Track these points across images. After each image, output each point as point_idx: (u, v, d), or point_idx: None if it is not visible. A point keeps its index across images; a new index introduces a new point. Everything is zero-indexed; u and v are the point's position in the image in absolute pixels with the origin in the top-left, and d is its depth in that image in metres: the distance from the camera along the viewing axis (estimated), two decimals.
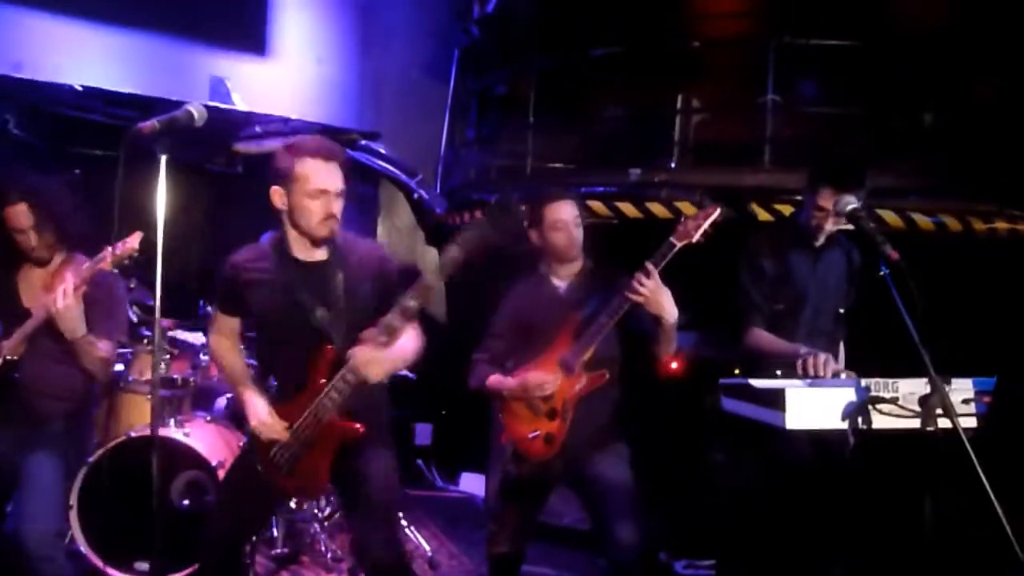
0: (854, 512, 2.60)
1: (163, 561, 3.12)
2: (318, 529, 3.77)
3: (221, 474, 3.14)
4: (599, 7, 4.85)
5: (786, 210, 3.76)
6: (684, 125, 4.48)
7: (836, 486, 2.55)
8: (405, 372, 4.21)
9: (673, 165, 4.37)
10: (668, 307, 2.43)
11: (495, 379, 2.73)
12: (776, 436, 2.11)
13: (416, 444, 5.44)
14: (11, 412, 2.64)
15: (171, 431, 3.35)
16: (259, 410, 2.28)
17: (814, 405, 2.00)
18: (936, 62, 4.04)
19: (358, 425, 2.23)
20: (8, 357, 2.58)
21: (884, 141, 4.06)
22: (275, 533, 3.73)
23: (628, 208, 4.11)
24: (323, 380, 2.21)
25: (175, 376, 3.75)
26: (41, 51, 4.31)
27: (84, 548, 3.16)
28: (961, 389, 2.01)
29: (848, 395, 2.00)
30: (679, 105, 4.48)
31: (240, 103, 4.99)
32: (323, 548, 3.70)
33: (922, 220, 3.81)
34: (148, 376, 3.74)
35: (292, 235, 2.30)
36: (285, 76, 5.40)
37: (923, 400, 1.88)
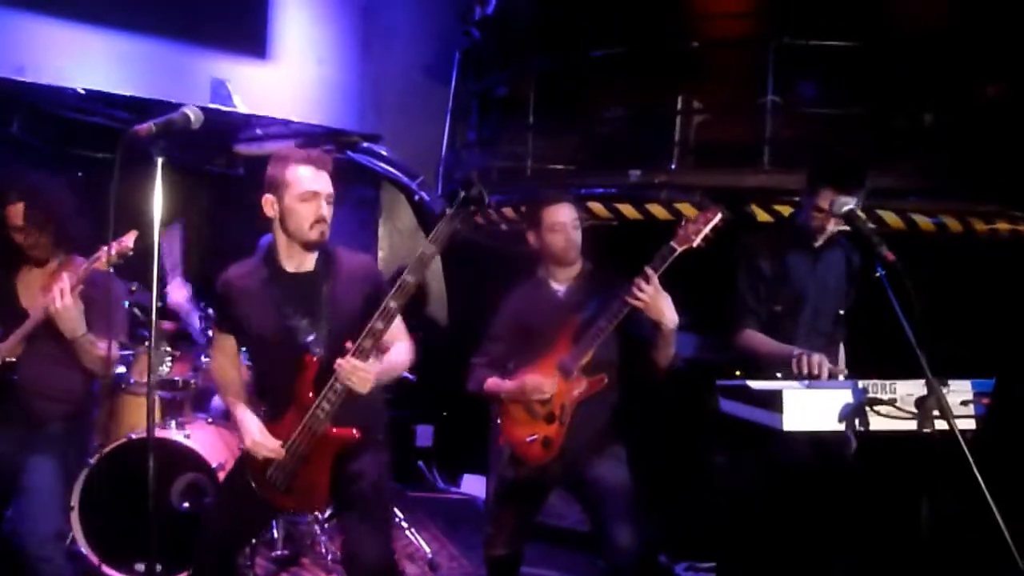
0: (852, 514, 2.60)
1: (160, 563, 3.15)
2: (318, 531, 3.77)
3: (221, 476, 3.14)
4: (599, 8, 4.85)
5: (786, 211, 3.75)
6: (684, 126, 4.47)
7: (834, 488, 2.54)
8: (405, 373, 4.25)
9: (673, 166, 4.36)
10: (668, 312, 2.42)
11: (493, 382, 2.73)
12: (774, 438, 2.10)
13: (417, 446, 5.45)
14: (10, 414, 2.65)
15: (172, 433, 3.36)
16: (252, 429, 2.28)
17: (811, 407, 2.00)
18: (937, 62, 4.02)
19: (354, 431, 2.23)
20: (6, 359, 2.59)
21: (885, 142, 4.04)
22: (275, 535, 3.74)
23: (628, 209, 4.11)
24: (311, 394, 2.21)
25: (176, 378, 3.77)
26: (44, 55, 4.32)
27: (85, 549, 3.17)
28: (960, 391, 2.01)
29: (846, 397, 2.00)
30: (679, 106, 4.47)
31: (241, 105, 5.00)
32: (323, 550, 3.71)
33: (923, 221, 3.79)
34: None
35: (283, 244, 2.32)
36: (286, 79, 5.40)
37: (920, 402, 1.87)
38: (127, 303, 3.39)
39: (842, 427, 1.99)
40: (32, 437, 2.64)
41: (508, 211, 4.57)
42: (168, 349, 3.90)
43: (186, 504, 3.33)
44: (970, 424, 1.98)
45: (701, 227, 2.45)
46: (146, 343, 3.85)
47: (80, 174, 4.43)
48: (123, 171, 1.83)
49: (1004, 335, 3.41)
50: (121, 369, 3.62)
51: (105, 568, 3.18)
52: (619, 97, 4.78)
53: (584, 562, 3.76)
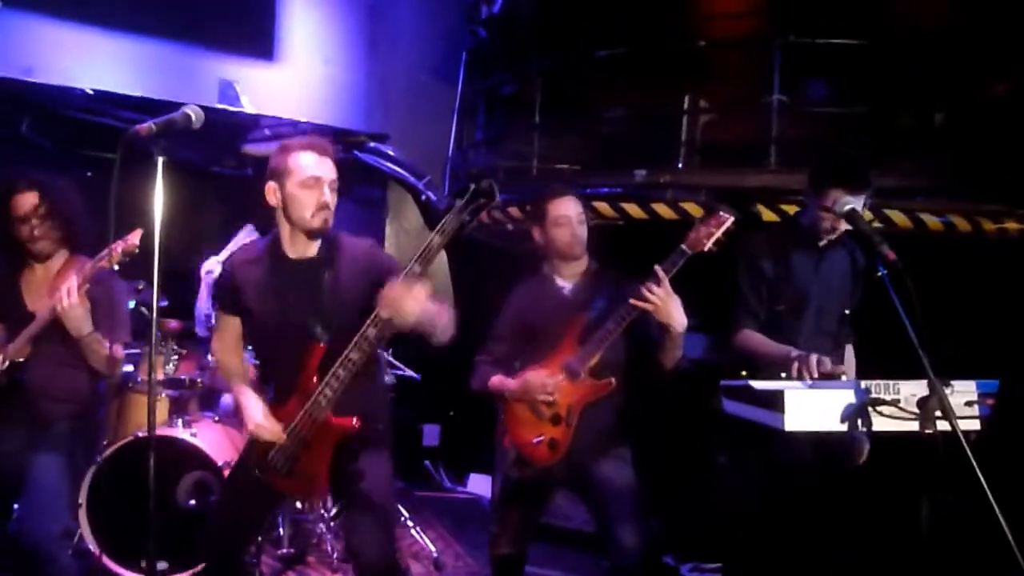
0: (854, 514, 2.58)
1: (167, 560, 3.17)
2: (324, 529, 3.79)
3: (227, 474, 3.16)
4: (604, 7, 4.84)
5: (792, 211, 3.72)
6: (690, 126, 4.45)
7: (836, 488, 2.53)
8: (411, 373, 4.27)
9: (679, 166, 4.35)
10: (677, 316, 2.40)
11: (497, 380, 2.72)
12: (776, 438, 2.09)
13: (424, 445, 5.46)
14: (17, 414, 2.67)
15: (178, 431, 3.38)
16: (255, 412, 2.29)
17: (814, 407, 1.98)
18: (943, 61, 3.99)
19: (354, 420, 2.22)
20: (13, 359, 2.61)
21: (891, 141, 4.01)
22: (281, 533, 3.75)
23: (633, 209, 4.10)
24: (315, 379, 2.22)
25: (182, 376, 3.79)
26: (52, 57, 4.37)
27: (93, 546, 3.20)
28: (964, 391, 1.98)
29: (848, 397, 1.98)
30: (685, 105, 4.46)
31: (249, 106, 5.03)
32: (329, 548, 3.72)
33: (931, 220, 3.77)
34: (157, 376, 3.79)
35: (286, 232, 2.31)
36: (293, 79, 5.43)
37: (922, 402, 1.86)
38: (133, 302, 3.41)
39: (844, 427, 1.97)
40: (39, 436, 2.66)
41: (514, 210, 4.57)
42: (175, 348, 3.92)
43: (192, 502, 3.35)
44: (974, 425, 1.96)
45: (713, 231, 2.43)
46: (154, 341, 3.87)
47: (89, 174, 4.47)
48: (131, 171, 1.85)
49: (1011, 335, 3.38)
50: (128, 368, 3.64)
51: (113, 565, 3.21)
52: (625, 97, 4.78)
53: (589, 562, 3.76)
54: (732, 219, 2.45)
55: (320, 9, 5.65)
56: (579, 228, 2.70)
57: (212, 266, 4.05)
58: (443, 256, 6.08)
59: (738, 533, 2.72)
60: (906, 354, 1.88)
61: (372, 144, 5.65)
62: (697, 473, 3.73)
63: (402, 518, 3.99)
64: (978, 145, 3.82)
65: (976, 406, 1.98)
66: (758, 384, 2.09)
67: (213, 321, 3.98)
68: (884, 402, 1.95)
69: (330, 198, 2.26)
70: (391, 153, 5.74)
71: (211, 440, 3.42)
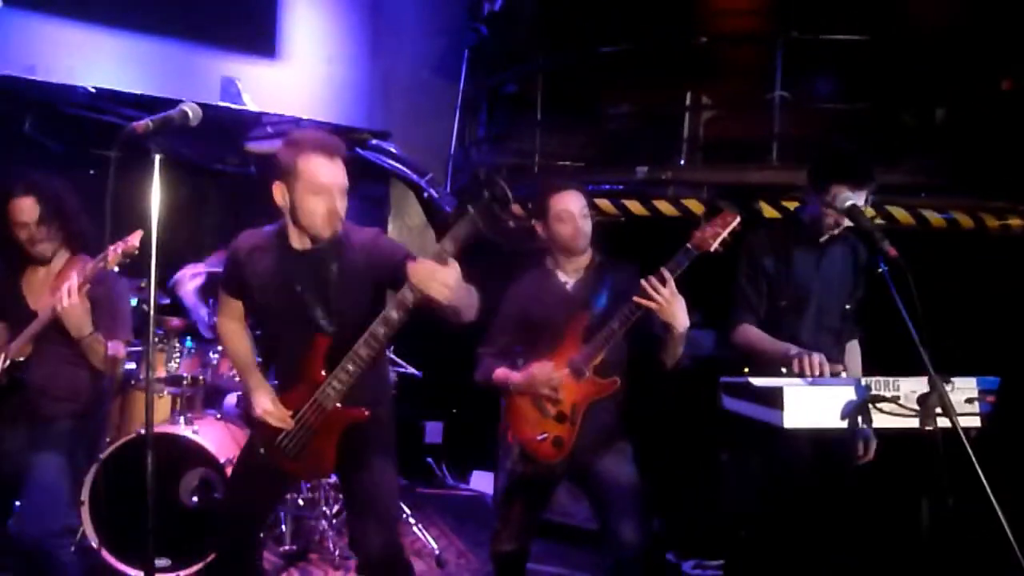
0: (854, 512, 2.57)
1: (170, 557, 3.18)
2: (326, 526, 3.79)
3: (229, 471, 3.17)
4: (606, 4, 4.84)
5: (794, 207, 3.72)
6: (692, 122, 4.45)
7: (836, 486, 2.52)
8: (412, 370, 4.27)
9: (682, 162, 4.34)
10: (681, 316, 2.39)
11: (502, 373, 2.71)
12: (776, 435, 2.09)
13: (426, 442, 5.46)
14: (19, 413, 2.69)
15: (180, 428, 3.39)
16: (264, 398, 2.31)
17: (813, 404, 1.97)
18: (946, 57, 3.98)
19: (364, 410, 2.24)
20: (15, 358, 2.62)
21: (894, 137, 4.00)
22: (283, 530, 3.76)
23: (635, 206, 4.10)
24: (323, 371, 2.23)
25: (185, 374, 3.80)
26: (53, 55, 4.38)
27: (95, 543, 3.20)
28: (965, 388, 1.97)
29: (848, 394, 1.96)
30: (688, 102, 4.45)
31: (251, 104, 5.04)
32: (331, 546, 3.73)
33: (934, 217, 3.76)
34: (160, 373, 3.80)
35: (293, 228, 2.30)
36: (295, 77, 5.44)
37: (922, 399, 1.85)
38: (136, 300, 3.42)
39: (844, 424, 1.96)
40: (39, 435, 2.67)
41: (516, 208, 4.56)
42: (177, 345, 3.93)
43: (195, 499, 3.36)
44: (975, 422, 1.95)
45: (719, 231, 2.42)
46: (153, 339, 3.88)
47: (92, 172, 4.48)
48: (133, 169, 1.85)
49: (1014, 331, 3.37)
50: (131, 365, 3.65)
51: (116, 562, 3.22)
52: (627, 93, 4.78)
53: (590, 559, 3.76)
54: (739, 219, 2.44)
55: (322, 7, 5.66)
56: (582, 222, 2.68)
57: (184, 277, 4.05)
58: None
59: (740, 530, 2.72)
60: (907, 350, 1.87)
61: (374, 141, 5.65)
62: (699, 470, 3.73)
63: (404, 515, 3.99)
64: (981, 141, 3.81)
65: (977, 403, 1.97)
66: (757, 381, 2.08)
67: (207, 319, 4.01)
68: (884, 399, 1.94)
69: (340, 205, 2.21)
70: (393, 150, 5.74)
71: (213, 437, 3.43)
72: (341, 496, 3.84)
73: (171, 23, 4.73)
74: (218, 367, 3.97)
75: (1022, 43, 3.81)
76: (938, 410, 1.81)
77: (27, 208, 2.64)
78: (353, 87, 5.77)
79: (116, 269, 2.53)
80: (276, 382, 2.43)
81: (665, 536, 3.92)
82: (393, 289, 2.17)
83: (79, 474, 2.92)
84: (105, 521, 3.23)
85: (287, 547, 3.73)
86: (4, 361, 2.62)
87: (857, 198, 2.37)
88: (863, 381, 1.96)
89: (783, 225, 2.91)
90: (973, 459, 1.70)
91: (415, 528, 3.99)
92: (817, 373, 2.25)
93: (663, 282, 2.36)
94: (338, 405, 2.23)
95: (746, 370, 2.58)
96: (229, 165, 5.77)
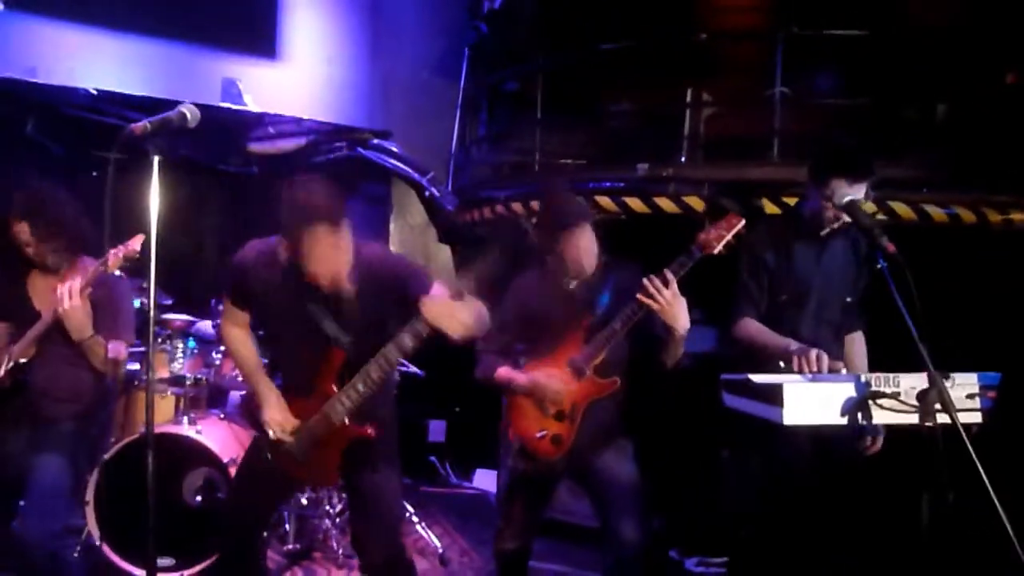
0: (858, 509, 2.57)
1: (173, 556, 3.20)
2: (330, 525, 3.80)
3: (233, 471, 3.18)
4: (607, 1, 4.83)
5: (795, 202, 3.71)
6: (693, 119, 4.44)
7: (838, 482, 2.52)
8: (415, 369, 4.27)
9: (683, 159, 4.33)
10: (682, 318, 2.40)
11: (504, 371, 2.70)
12: (776, 433, 2.08)
13: (430, 441, 5.47)
14: (21, 414, 2.70)
15: (184, 428, 3.40)
16: (272, 405, 2.32)
17: (813, 400, 1.96)
18: (948, 51, 3.95)
19: (370, 430, 2.27)
20: (19, 360, 2.64)
21: (895, 133, 3.98)
22: (287, 529, 3.77)
23: (635, 203, 4.09)
24: (334, 386, 2.26)
25: (188, 374, 3.81)
26: (54, 57, 4.40)
27: (100, 543, 3.22)
28: (965, 384, 1.97)
29: (848, 390, 1.96)
30: (688, 99, 4.44)
31: (252, 104, 5.05)
32: (335, 544, 3.74)
33: (936, 212, 3.74)
34: (163, 374, 3.81)
35: None
36: (296, 78, 5.45)
37: (921, 395, 1.84)
38: (139, 301, 3.43)
39: (844, 421, 1.96)
40: (42, 436, 2.69)
41: (517, 206, 4.57)
42: (180, 346, 3.94)
43: (198, 499, 3.37)
44: (976, 418, 1.94)
45: (724, 234, 2.44)
46: (159, 340, 3.90)
47: (95, 174, 4.50)
48: (136, 171, 1.86)
49: (1017, 327, 3.35)
50: (134, 366, 3.67)
51: (120, 561, 3.24)
52: (627, 91, 4.76)
53: (593, 557, 3.75)
54: (743, 222, 2.45)
55: (322, 8, 5.67)
56: (591, 253, 2.64)
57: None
58: (446, 250, 6.11)
59: (742, 528, 2.72)
60: (910, 346, 1.87)
61: (376, 141, 5.67)
62: (702, 468, 3.73)
63: (407, 514, 4.00)
64: (984, 136, 3.79)
65: (978, 399, 1.96)
66: (757, 378, 2.07)
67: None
68: (884, 395, 1.93)
69: (345, 259, 2.20)
70: (395, 150, 5.75)
71: (217, 437, 3.44)
72: (344, 495, 3.86)
73: (172, 25, 4.75)
74: (221, 367, 3.98)
75: (1022, 36, 3.79)
76: (937, 406, 1.81)
77: (24, 232, 2.68)
78: (354, 87, 5.78)
79: (118, 272, 2.54)
80: (280, 382, 2.44)
81: (668, 534, 3.92)
82: (402, 304, 2.21)
83: (82, 475, 2.94)
84: (110, 521, 3.25)
85: (291, 546, 3.75)
86: (8, 363, 2.63)
87: (855, 192, 2.37)
88: (863, 377, 1.96)
89: (784, 220, 2.91)
90: (973, 455, 1.69)
91: (419, 527, 4.00)
92: (816, 370, 2.24)
93: (665, 283, 2.37)
94: (345, 421, 2.26)
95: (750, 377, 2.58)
96: (232, 165, 5.79)
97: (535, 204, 4.41)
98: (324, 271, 2.19)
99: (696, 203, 3.97)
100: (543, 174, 4.73)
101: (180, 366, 3.90)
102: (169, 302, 4.11)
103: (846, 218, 2.48)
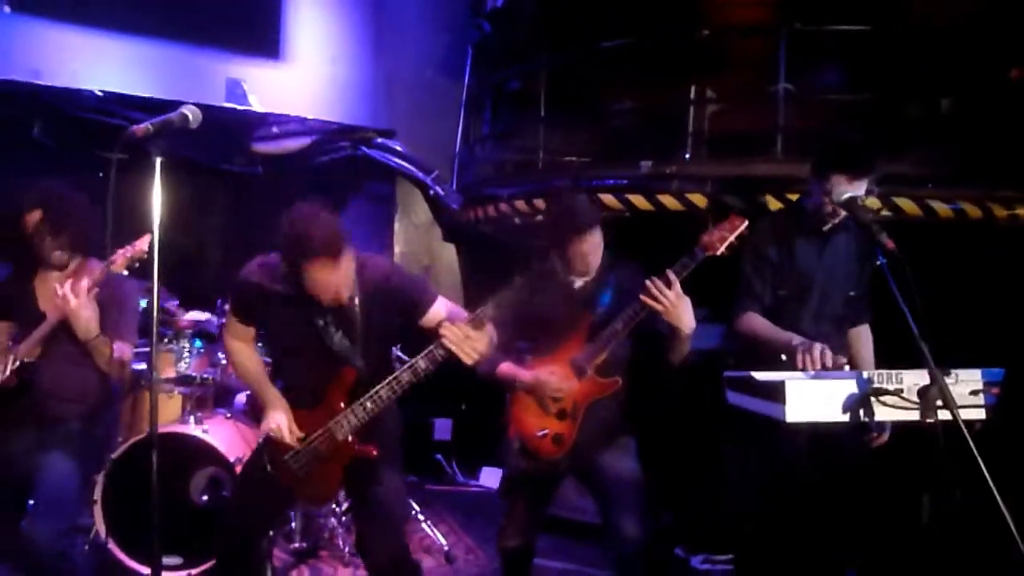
0: (860, 506, 2.56)
1: (181, 555, 3.21)
2: (336, 524, 3.82)
3: (239, 470, 3.20)
4: None
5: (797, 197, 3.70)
6: (697, 116, 4.43)
7: (841, 479, 2.51)
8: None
9: (687, 156, 4.33)
10: (686, 318, 2.39)
11: (508, 368, 2.70)
12: (778, 431, 2.08)
13: (435, 439, 5.48)
14: (27, 414, 2.72)
15: (190, 428, 3.42)
16: (279, 416, 2.34)
17: (815, 397, 1.96)
18: (952, 47, 3.94)
19: (373, 450, 2.29)
20: (24, 360, 2.65)
21: (900, 128, 3.97)
22: (293, 527, 3.79)
23: (639, 201, 4.09)
24: (341, 403, 2.27)
25: (194, 374, 3.83)
26: (59, 60, 4.42)
27: (108, 542, 3.24)
28: (969, 380, 1.96)
29: (850, 387, 1.96)
30: (692, 96, 4.43)
31: (257, 104, 5.06)
32: (341, 543, 3.75)
33: (941, 208, 3.73)
34: (169, 374, 3.83)
35: None
36: (300, 78, 5.46)
37: (922, 392, 1.84)
38: (146, 301, 3.45)
39: (846, 418, 1.96)
40: (48, 436, 2.70)
41: (521, 204, 4.57)
42: (187, 345, 3.96)
43: (205, 498, 3.39)
44: (979, 414, 1.94)
45: (727, 235, 2.45)
46: (165, 340, 3.93)
47: (100, 175, 4.51)
48: (138, 173, 1.87)
49: (1022, 322, 3.34)
50: (142, 366, 3.69)
51: (127, 560, 3.26)
52: (631, 88, 4.75)
53: (597, 554, 3.77)
54: (746, 223, 2.46)
55: (325, 7, 5.67)
56: (598, 256, 2.65)
57: None
58: (452, 249, 6.12)
59: (746, 525, 2.72)
60: (913, 343, 1.86)
61: (380, 140, 5.67)
62: (706, 465, 3.73)
63: (413, 512, 4.01)
64: (989, 131, 3.77)
65: (981, 395, 1.96)
66: (759, 375, 2.07)
67: None
68: (887, 392, 1.93)
69: (345, 288, 2.23)
70: (399, 149, 5.76)
71: (223, 437, 3.46)
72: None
73: (175, 26, 4.77)
74: (227, 367, 3.99)
75: None
76: (939, 403, 1.80)
77: (35, 220, 2.69)
78: (357, 86, 5.79)
79: (125, 272, 2.56)
80: (281, 385, 2.46)
81: (674, 531, 3.92)
82: (410, 322, 2.24)
83: (88, 474, 2.96)
84: (117, 519, 3.27)
85: (297, 544, 3.76)
86: (14, 363, 2.65)
87: (856, 189, 2.37)
88: (865, 374, 1.96)
89: (786, 215, 2.90)
90: (975, 452, 1.69)
91: (424, 525, 4.01)
92: (819, 366, 2.24)
93: (668, 284, 2.37)
94: (349, 438, 2.27)
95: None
96: (236, 165, 5.81)
97: (539, 202, 4.42)
98: (324, 295, 2.23)
99: (699, 200, 3.97)
100: (547, 172, 4.73)
101: (186, 366, 3.92)
102: (175, 303, 4.13)
103: (845, 213, 2.48)
